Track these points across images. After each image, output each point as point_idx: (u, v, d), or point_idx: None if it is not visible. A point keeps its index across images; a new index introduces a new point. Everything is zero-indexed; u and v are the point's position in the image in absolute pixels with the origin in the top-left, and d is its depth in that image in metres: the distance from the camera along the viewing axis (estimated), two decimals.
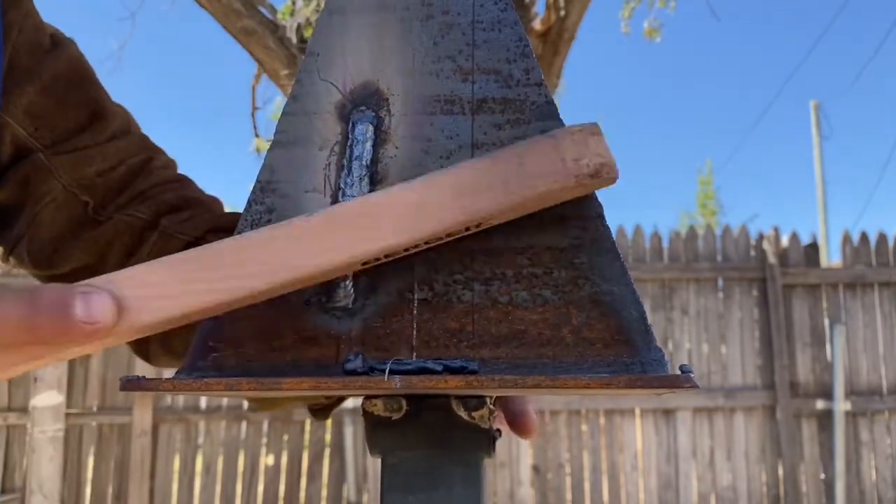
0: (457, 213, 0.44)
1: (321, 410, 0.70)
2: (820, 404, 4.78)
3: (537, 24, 4.46)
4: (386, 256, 0.44)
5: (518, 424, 0.58)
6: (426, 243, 0.44)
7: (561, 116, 0.48)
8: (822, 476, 4.78)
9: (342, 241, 0.43)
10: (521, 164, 0.44)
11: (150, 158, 0.71)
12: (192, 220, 0.67)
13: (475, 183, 0.44)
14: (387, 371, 0.42)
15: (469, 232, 0.45)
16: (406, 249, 0.44)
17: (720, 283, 4.98)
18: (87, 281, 0.40)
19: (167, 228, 0.66)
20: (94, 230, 0.67)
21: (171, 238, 0.66)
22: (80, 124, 0.67)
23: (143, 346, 0.71)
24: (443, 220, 0.44)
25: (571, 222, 0.46)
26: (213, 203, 0.72)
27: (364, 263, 0.44)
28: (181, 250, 0.65)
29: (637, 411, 4.84)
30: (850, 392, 4.82)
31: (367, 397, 0.47)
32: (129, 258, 0.66)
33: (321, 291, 0.47)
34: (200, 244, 0.65)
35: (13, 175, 0.66)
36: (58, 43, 0.67)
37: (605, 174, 0.45)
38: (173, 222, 0.67)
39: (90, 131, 0.67)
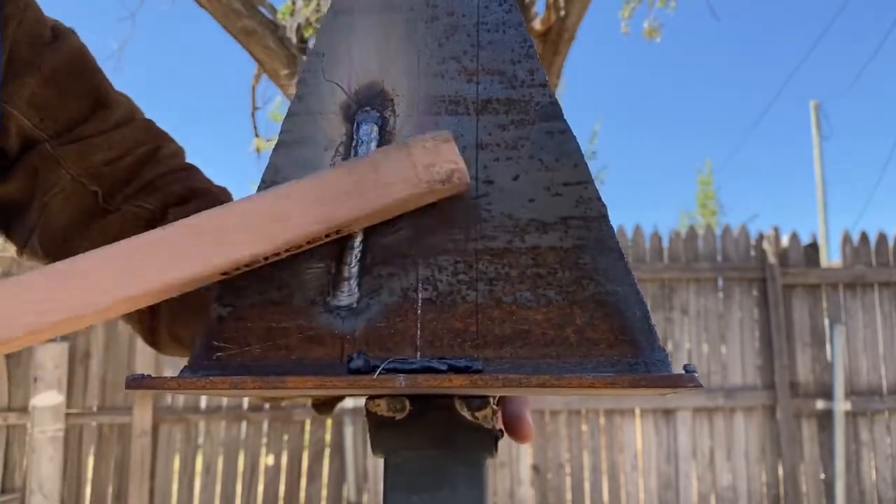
0: (313, 222, 0.45)
1: (324, 405, 0.70)
2: (820, 404, 4.78)
3: (537, 24, 4.46)
4: (246, 266, 0.45)
5: (514, 429, 0.57)
6: (286, 251, 0.45)
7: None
8: (822, 476, 4.78)
9: (196, 252, 0.44)
10: (376, 171, 0.45)
11: (157, 147, 0.71)
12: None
13: (331, 191, 0.45)
14: (391, 370, 0.42)
15: (329, 238, 0.46)
16: (266, 258, 0.45)
17: (720, 283, 4.98)
18: None
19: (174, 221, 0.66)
20: (104, 220, 0.67)
21: None
22: (84, 114, 0.67)
23: (154, 336, 0.71)
24: (300, 229, 0.45)
25: (575, 223, 0.47)
26: (222, 194, 0.72)
27: (223, 273, 0.45)
28: None
29: (637, 411, 4.84)
30: (850, 392, 4.83)
31: (371, 397, 0.47)
32: None
33: (325, 291, 0.47)
34: None
35: (21, 166, 0.66)
36: (58, 34, 0.67)
37: (457, 179, 0.46)
38: (180, 214, 0.67)
39: (94, 120, 0.68)
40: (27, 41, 0.64)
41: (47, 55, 0.65)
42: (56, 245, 0.68)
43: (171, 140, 0.73)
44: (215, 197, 0.70)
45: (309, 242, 0.45)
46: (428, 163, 0.46)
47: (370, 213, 0.45)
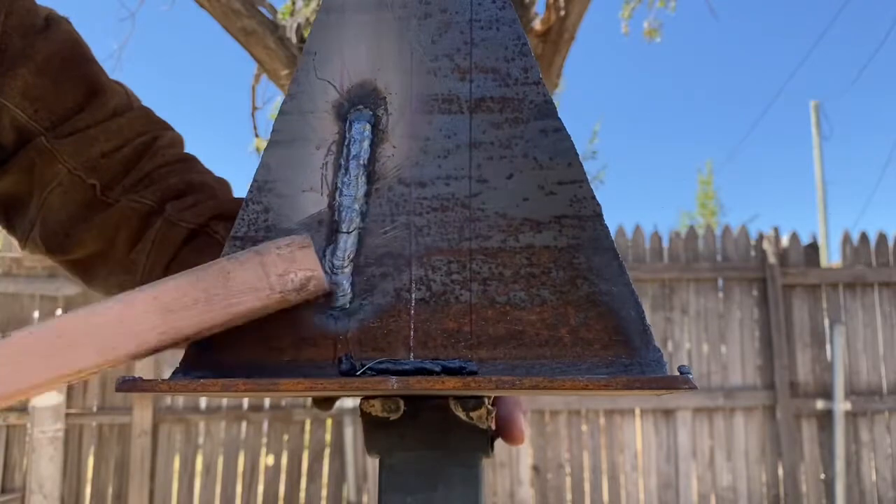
0: (159, 333, 0.44)
1: (324, 401, 0.69)
2: (820, 404, 4.78)
3: (537, 24, 4.45)
4: (92, 373, 0.44)
5: (506, 431, 0.56)
6: (125, 360, 0.44)
7: (560, 116, 0.48)
8: (822, 476, 4.78)
9: (38, 365, 0.43)
10: (226, 280, 0.44)
11: (155, 138, 0.70)
12: (196, 207, 0.67)
13: (178, 300, 0.44)
14: (384, 371, 0.42)
15: (178, 346, 0.45)
16: (112, 367, 0.44)
17: (720, 283, 4.98)
18: None
19: (171, 216, 0.66)
20: (103, 213, 0.67)
21: (174, 226, 0.66)
22: (78, 103, 0.66)
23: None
24: (146, 340, 0.44)
25: (570, 222, 0.46)
26: (220, 186, 0.71)
27: (66, 377, 0.44)
28: (185, 238, 0.65)
29: (637, 411, 4.84)
30: (850, 392, 4.82)
31: (365, 398, 0.47)
32: (134, 244, 0.66)
33: None
34: (204, 232, 0.65)
35: (18, 161, 0.66)
36: (51, 23, 0.66)
37: (313, 287, 0.45)
38: (177, 209, 0.66)
39: (89, 109, 0.67)
40: (19, 32, 0.64)
41: (40, 45, 0.64)
42: (58, 240, 0.68)
43: (168, 129, 0.72)
44: (212, 191, 0.69)
45: (155, 351, 0.45)
46: (282, 271, 0.44)
47: (218, 324, 0.44)
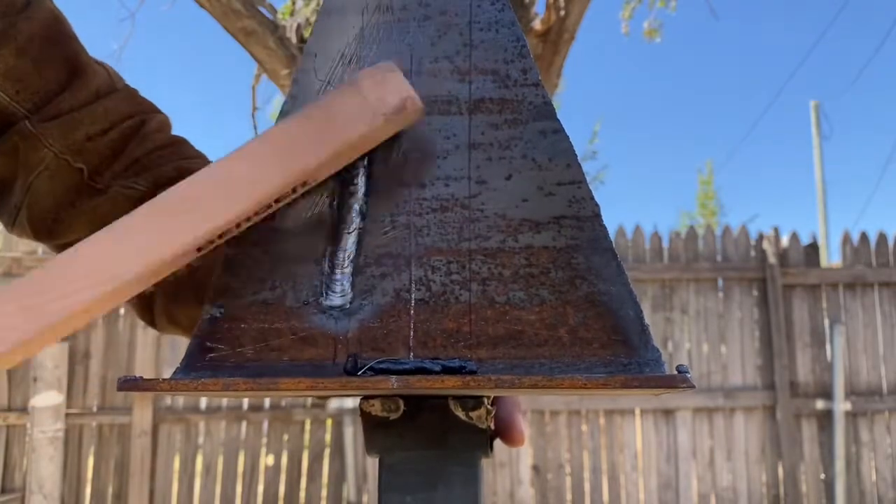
0: (278, 176, 0.45)
1: (321, 396, 0.69)
2: (820, 404, 4.78)
3: (537, 24, 4.46)
4: (220, 236, 0.45)
5: (505, 433, 0.56)
6: (256, 214, 0.45)
7: (559, 117, 0.48)
8: (822, 476, 4.78)
9: (169, 231, 0.44)
10: (330, 113, 0.45)
11: (142, 121, 0.69)
12: None
13: (290, 142, 0.45)
14: (384, 371, 0.42)
15: (297, 194, 0.46)
16: (237, 225, 0.45)
17: (720, 283, 4.98)
18: None
19: None
20: (93, 200, 0.66)
21: None
22: (61, 83, 0.65)
23: (150, 315, 0.70)
24: (267, 186, 0.45)
25: (568, 222, 0.46)
26: None
27: (199, 249, 0.45)
28: None
29: (637, 411, 4.84)
30: (850, 392, 4.82)
31: (365, 397, 0.47)
32: None
33: (318, 291, 0.47)
34: None
35: (1, 145, 0.65)
36: (31, 1, 0.65)
37: (410, 107, 0.46)
38: None
39: (71, 90, 0.66)
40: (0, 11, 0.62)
41: (21, 24, 0.63)
42: (46, 225, 0.67)
43: (155, 110, 0.71)
44: None
45: (277, 200, 0.45)
46: (378, 94, 0.46)
47: (331, 155, 0.45)
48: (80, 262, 0.44)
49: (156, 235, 0.44)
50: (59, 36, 0.66)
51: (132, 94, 0.71)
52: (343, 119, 0.45)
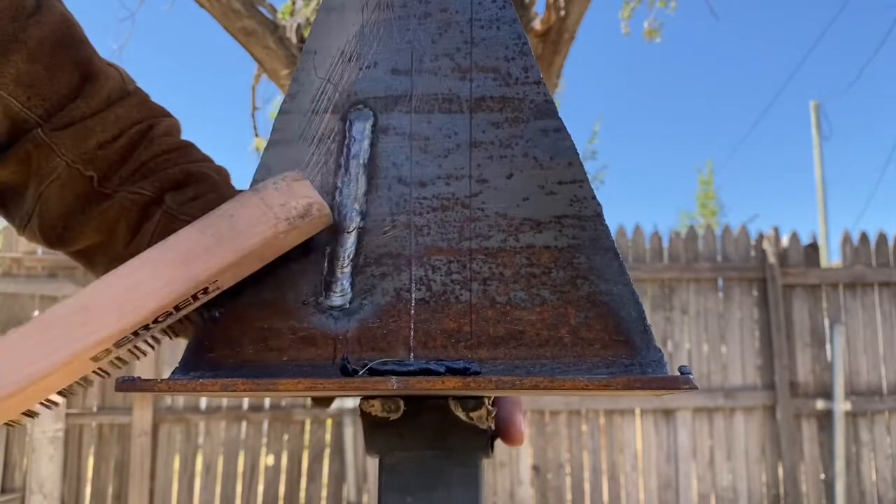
0: (177, 284, 0.44)
1: (324, 398, 0.69)
2: (820, 404, 4.78)
3: (537, 24, 4.45)
4: (116, 345, 0.44)
5: (506, 433, 0.55)
6: (157, 320, 0.44)
7: (560, 116, 0.48)
8: (822, 476, 4.78)
9: (62, 341, 0.43)
10: (231, 221, 0.45)
11: (150, 126, 0.69)
12: (197, 201, 0.66)
13: (189, 250, 0.44)
14: (388, 372, 0.42)
15: (199, 302, 0.45)
16: (136, 333, 0.44)
17: (720, 283, 4.98)
18: None
19: (171, 209, 0.65)
20: (101, 205, 0.66)
21: (174, 219, 0.65)
22: (73, 89, 0.65)
23: None
24: (166, 294, 0.44)
25: (570, 221, 0.46)
26: (220, 176, 0.70)
27: (94, 359, 0.44)
28: None
29: (637, 411, 4.84)
30: (850, 392, 4.82)
31: (365, 398, 0.47)
32: (133, 235, 0.66)
33: (318, 291, 0.46)
34: None
35: (14, 153, 0.65)
36: (42, 4, 0.64)
37: (316, 212, 0.46)
38: (177, 201, 0.66)
39: (83, 96, 0.65)
40: (9, 15, 0.61)
41: (32, 28, 0.62)
42: (56, 232, 0.67)
43: (165, 115, 0.71)
44: (213, 183, 0.69)
45: (177, 308, 0.45)
46: (282, 201, 0.45)
47: (232, 263, 0.44)
48: None
49: (51, 344, 0.43)
50: (70, 40, 0.65)
51: (143, 98, 0.70)
52: (245, 225, 0.45)
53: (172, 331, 0.48)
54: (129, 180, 0.67)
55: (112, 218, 0.66)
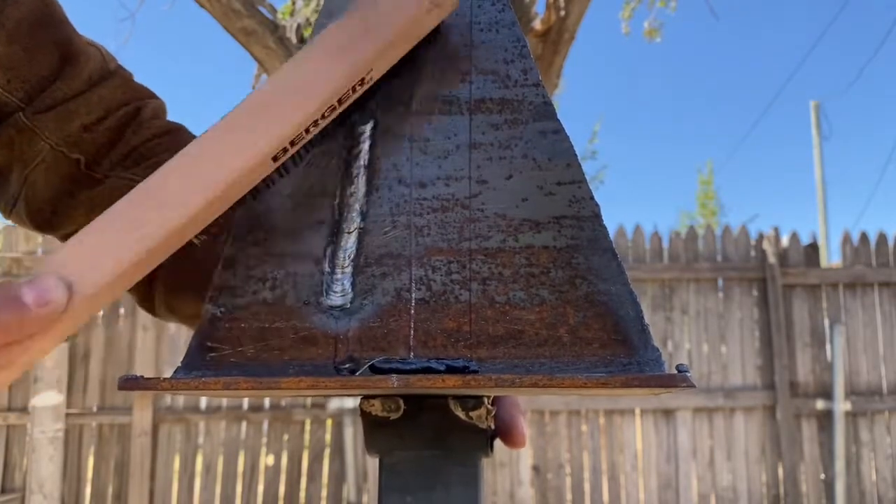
0: (339, 73, 0.45)
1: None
2: (820, 404, 4.78)
3: (537, 24, 4.46)
4: (291, 143, 0.45)
5: (506, 434, 0.55)
6: (323, 117, 0.46)
7: (560, 117, 0.49)
8: (822, 476, 4.78)
9: (240, 145, 0.44)
10: (376, 6, 0.47)
11: (138, 109, 0.68)
12: None
13: (340, 41, 0.46)
14: (389, 371, 0.42)
15: (356, 94, 0.47)
16: (307, 130, 0.46)
17: (720, 283, 4.98)
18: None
19: None
20: (92, 190, 0.65)
21: None
22: (53, 70, 0.63)
23: (149, 302, 0.70)
24: (331, 85, 0.45)
25: (569, 222, 0.46)
26: None
27: (274, 159, 0.45)
28: None
29: (637, 411, 4.84)
30: (850, 392, 4.82)
31: (365, 397, 0.47)
32: None
33: (319, 291, 0.47)
34: None
35: None
36: None
37: None
38: None
39: (63, 78, 0.64)
40: None
41: (10, 9, 0.61)
42: (44, 217, 0.66)
43: (151, 96, 0.70)
44: None
45: (340, 101, 0.46)
46: None
47: (383, 47, 0.46)
48: (164, 184, 0.44)
49: (233, 147, 0.45)
50: (49, 20, 0.64)
51: (126, 78, 0.69)
52: (389, 8, 0.46)
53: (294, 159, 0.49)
54: (120, 165, 0.66)
55: (103, 203, 0.64)
